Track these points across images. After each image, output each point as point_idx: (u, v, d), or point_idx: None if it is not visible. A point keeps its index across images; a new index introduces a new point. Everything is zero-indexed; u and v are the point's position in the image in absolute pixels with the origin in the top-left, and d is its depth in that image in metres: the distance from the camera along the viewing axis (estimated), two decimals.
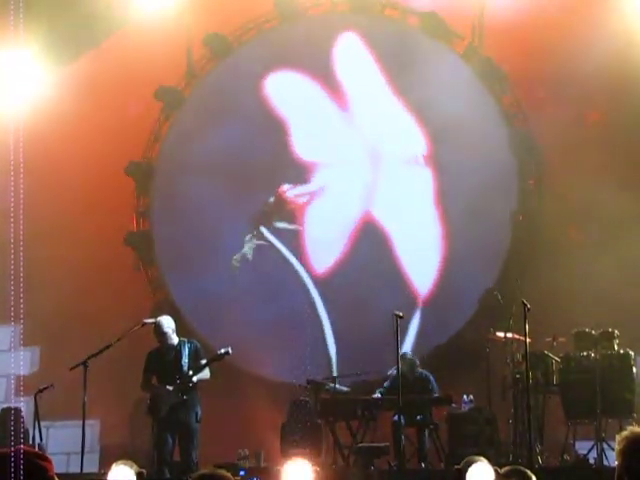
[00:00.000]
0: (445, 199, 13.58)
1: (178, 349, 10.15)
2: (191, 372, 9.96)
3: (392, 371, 11.13)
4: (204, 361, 10.11)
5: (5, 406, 12.66)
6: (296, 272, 13.77)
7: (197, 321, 13.82)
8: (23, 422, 11.99)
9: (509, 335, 10.90)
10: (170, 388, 9.89)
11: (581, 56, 12.50)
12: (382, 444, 11.32)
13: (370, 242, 13.70)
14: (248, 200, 14.25)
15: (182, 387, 9.92)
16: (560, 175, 13.02)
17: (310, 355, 12.85)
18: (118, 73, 14.65)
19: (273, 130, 14.02)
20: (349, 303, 13.50)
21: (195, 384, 10.02)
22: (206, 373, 10.17)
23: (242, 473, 10.50)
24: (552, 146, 13.01)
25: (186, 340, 10.35)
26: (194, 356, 10.14)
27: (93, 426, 11.46)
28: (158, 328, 10.19)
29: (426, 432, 11.30)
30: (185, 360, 10.07)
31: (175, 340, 10.20)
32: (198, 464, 9.95)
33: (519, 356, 10.65)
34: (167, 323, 10.24)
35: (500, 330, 11.16)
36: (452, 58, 13.87)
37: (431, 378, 11.56)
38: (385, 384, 11.57)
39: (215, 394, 13.22)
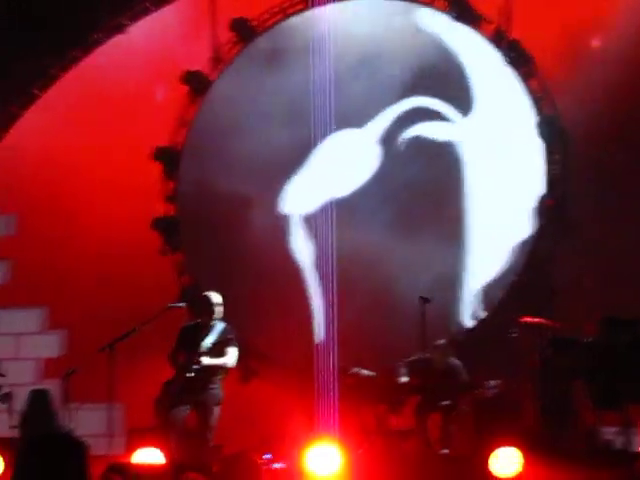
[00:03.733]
0: (472, 183, 13.51)
1: (210, 328, 10.01)
2: (205, 352, 9.82)
3: (419, 354, 11.13)
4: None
5: (35, 388, 12.76)
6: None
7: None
8: (51, 404, 12.07)
9: (536, 320, 10.85)
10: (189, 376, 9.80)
11: (613, 36, 12.40)
12: (408, 428, 11.33)
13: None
14: (277, 186, 14.22)
15: (188, 366, 9.80)
16: (588, 159, 12.94)
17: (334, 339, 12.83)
18: (145, 59, 14.70)
19: (301, 115, 13.93)
20: (370, 287, 13.49)
21: (212, 367, 9.85)
22: (227, 359, 9.97)
23: (267, 457, 10.51)
24: (580, 130, 12.92)
25: (221, 321, 10.14)
26: (223, 338, 9.96)
27: (120, 409, 11.49)
28: (206, 300, 10.10)
29: (452, 417, 11.29)
30: (210, 340, 9.93)
31: (215, 319, 10.10)
32: (214, 447, 9.92)
33: (546, 341, 10.61)
34: (216, 298, 10.17)
35: (528, 315, 11.12)
36: (479, 42, 13.81)
37: (460, 366, 11.53)
38: (412, 357, 11.52)
39: (241, 378, 13.31)
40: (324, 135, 13.83)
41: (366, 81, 13.99)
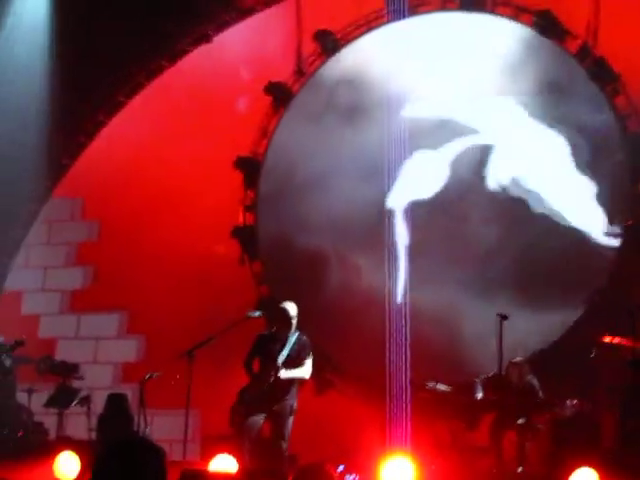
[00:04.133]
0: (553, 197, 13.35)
1: (286, 339, 10.03)
2: (281, 365, 9.84)
3: (495, 371, 11.00)
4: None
5: (112, 392, 12.92)
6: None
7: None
8: (128, 408, 12.22)
9: (616, 340, 10.69)
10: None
11: None
12: (483, 445, 11.23)
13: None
14: (358, 205, 14.13)
15: (266, 377, 9.85)
16: None
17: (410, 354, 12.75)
18: (229, 68, 14.83)
19: (382, 128, 13.86)
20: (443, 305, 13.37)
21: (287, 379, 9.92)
22: (302, 372, 10.02)
23: (341, 468, 10.49)
24: None
25: (298, 332, 10.17)
26: (297, 349, 10.01)
27: (196, 416, 11.59)
28: (285, 313, 10.11)
29: (528, 436, 11.15)
30: (286, 351, 9.95)
31: (291, 331, 10.11)
32: (288, 457, 9.92)
33: (626, 362, 10.44)
34: (293, 310, 10.17)
35: (607, 334, 10.95)
36: (565, 59, 13.66)
37: (536, 385, 11.39)
38: (489, 374, 11.40)
39: (316, 390, 13.30)
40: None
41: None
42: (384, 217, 13.63)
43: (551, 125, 13.35)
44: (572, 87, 13.44)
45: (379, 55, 14.32)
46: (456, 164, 13.70)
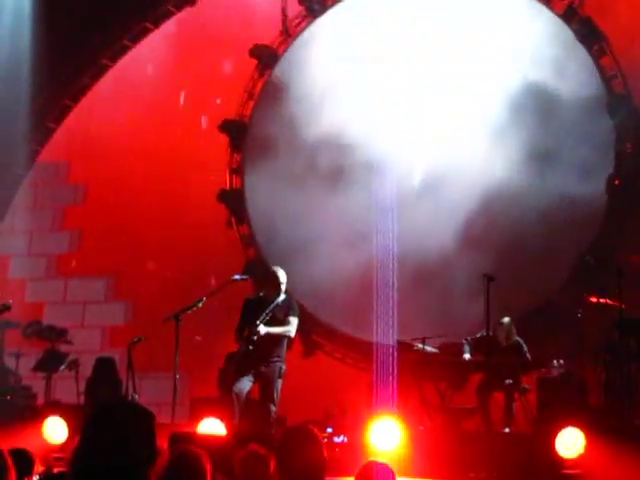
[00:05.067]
0: (539, 161, 13.33)
1: (271, 301, 9.86)
2: (258, 322, 9.68)
3: (483, 332, 11.03)
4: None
5: (100, 356, 12.94)
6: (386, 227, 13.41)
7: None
8: (116, 372, 12.25)
9: (602, 300, 10.73)
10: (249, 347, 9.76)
11: None
12: (470, 406, 11.29)
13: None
14: (344, 163, 14.03)
15: (249, 337, 9.70)
16: None
17: (398, 314, 12.75)
18: (214, 31, 14.74)
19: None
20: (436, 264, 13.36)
21: (273, 338, 9.80)
22: (285, 329, 9.87)
23: (329, 430, 10.55)
24: None
25: (285, 295, 10.00)
26: (283, 310, 9.84)
27: (183, 378, 11.60)
28: (275, 278, 9.97)
29: (514, 396, 11.22)
30: (268, 310, 9.77)
31: (279, 295, 9.98)
32: (277, 419, 9.91)
33: (612, 322, 10.48)
34: (283, 276, 10.03)
35: (594, 295, 11.00)
36: (551, 19, 13.61)
37: (524, 345, 11.44)
38: (477, 334, 11.40)
39: (304, 352, 13.34)
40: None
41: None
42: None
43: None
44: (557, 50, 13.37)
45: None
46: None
